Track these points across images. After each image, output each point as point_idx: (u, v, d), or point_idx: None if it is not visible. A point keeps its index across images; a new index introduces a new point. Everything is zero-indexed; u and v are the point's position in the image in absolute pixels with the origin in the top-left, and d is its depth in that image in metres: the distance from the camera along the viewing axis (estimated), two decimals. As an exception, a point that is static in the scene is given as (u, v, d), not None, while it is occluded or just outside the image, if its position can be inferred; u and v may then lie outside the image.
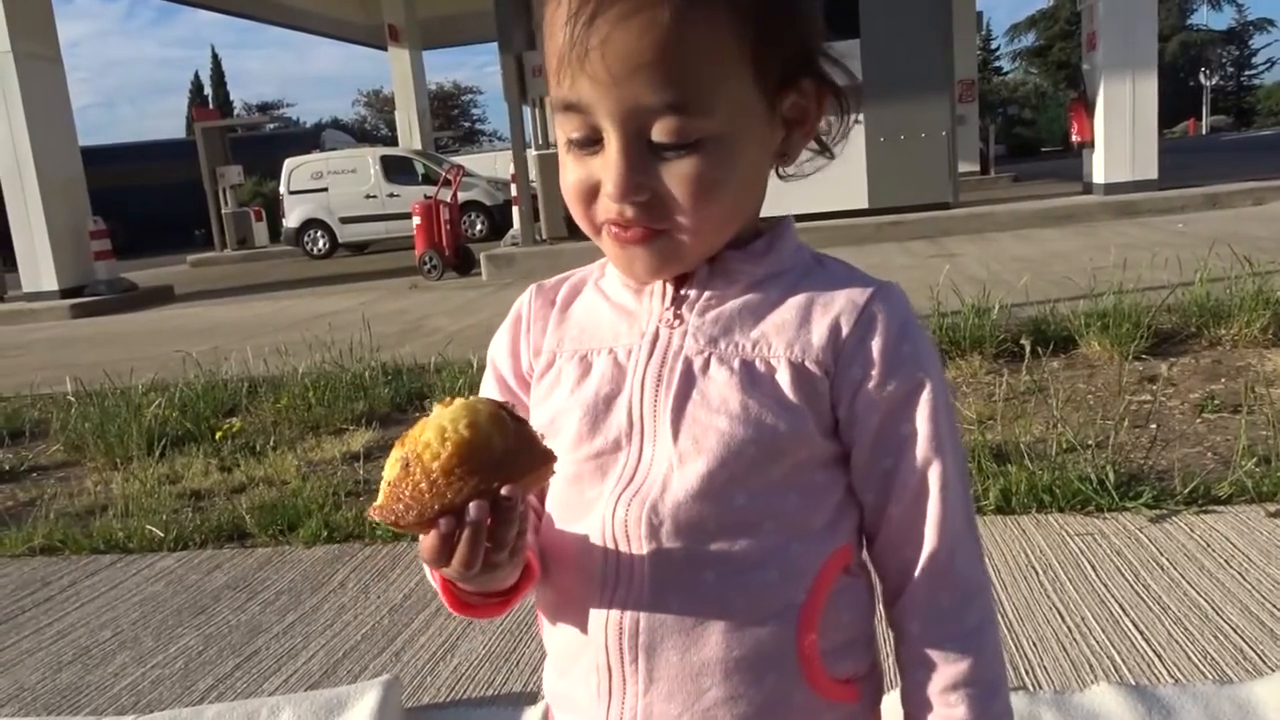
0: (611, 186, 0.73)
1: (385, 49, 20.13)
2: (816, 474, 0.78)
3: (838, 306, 0.78)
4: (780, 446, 0.75)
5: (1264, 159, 16.31)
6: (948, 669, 0.76)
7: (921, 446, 0.77)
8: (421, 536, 0.67)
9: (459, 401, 0.69)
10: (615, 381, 0.80)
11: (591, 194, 0.76)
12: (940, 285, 4.89)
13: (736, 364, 0.77)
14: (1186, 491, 2.59)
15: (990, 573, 0.82)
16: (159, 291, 12.86)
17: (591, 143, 0.74)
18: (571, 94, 0.73)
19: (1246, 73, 53.84)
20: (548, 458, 0.69)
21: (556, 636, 0.82)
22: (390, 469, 0.67)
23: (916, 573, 0.77)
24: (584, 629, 0.78)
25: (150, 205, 26.01)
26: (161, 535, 3.21)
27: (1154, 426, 3.26)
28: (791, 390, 0.76)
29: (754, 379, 0.76)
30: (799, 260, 0.82)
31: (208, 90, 50.77)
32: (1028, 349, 3.57)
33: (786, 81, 0.76)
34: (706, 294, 0.80)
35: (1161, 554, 2.33)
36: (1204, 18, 49.56)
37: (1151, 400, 3.55)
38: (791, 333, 0.77)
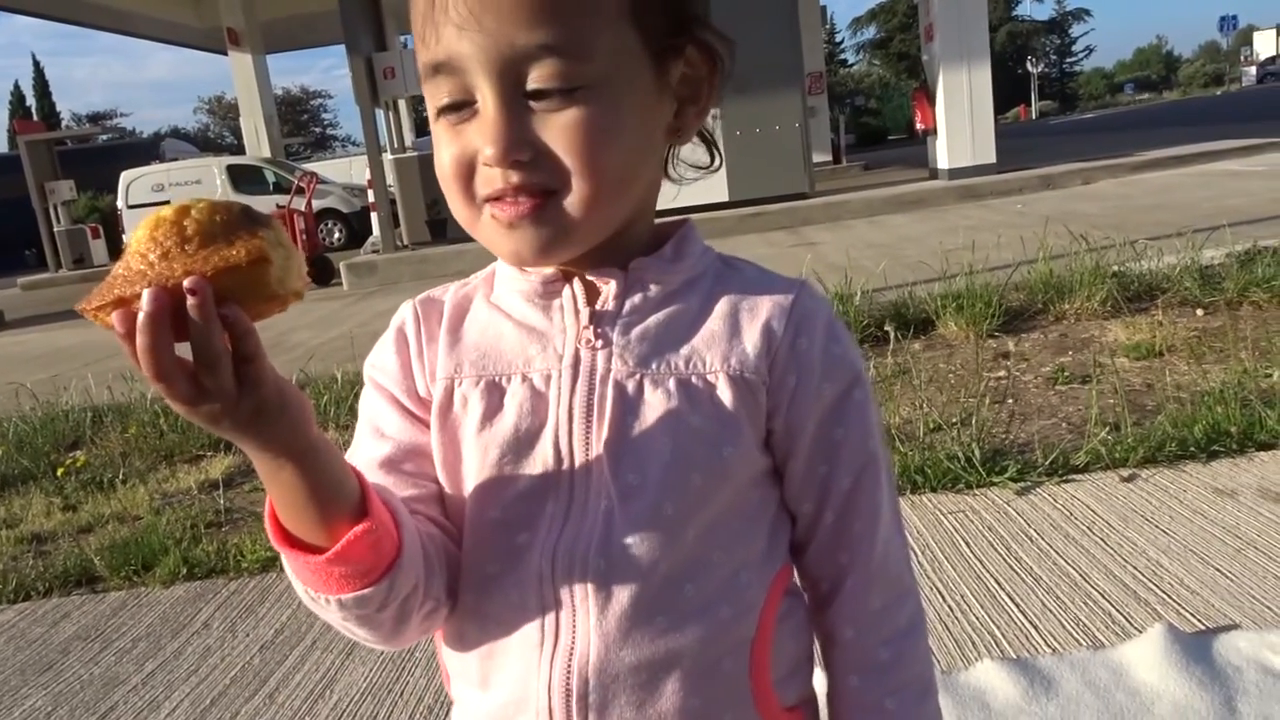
0: (491, 146, 0.66)
1: (225, 53, 19.18)
2: (754, 493, 0.74)
3: (765, 311, 0.74)
4: (726, 470, 0.71)
5: (1089, 141, 17.48)
6: (880, 672, 0.74)
7: (855, 447, 0.74)
8: None
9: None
10: (536, 413, 0.72)
11: (469, 169, 0.69)
12: (803, 274, 4.98)
13: (672, 384, 0.71)
14: (1047, 463, 2.72)
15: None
16: (-14, 319, 11.89)
17: (464, 106, 0.68)
18: (439, 50, 0.67)
19: (1068, 60, 57.68)
20: (260, 259, 0.57)
21: (483, 702, 0.74)
22: None
23: (850, 578, 0.75)
24: (521, 693, 0.70)
25: (-29, 225, 24.05)
26: (-2, 587, 2.94)
27: (1011, 401, 3.41)
28: (733, 406, 0.71)
29: (693, 399, 0.71)
30: (709, 263, 0.78)
31: (30, 101, 47.34)
32: (892, 334, 3.67)
33: (672, 45, 0.71)
34: (626, 308, 0.74)
35: (1029, 525, 2.43)
36: (1028, 9, 52.75)
37: (1007, 376, 3.71)
38: (724, 344, 0.72)
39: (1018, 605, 2.05)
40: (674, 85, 0.72)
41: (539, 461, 0.71)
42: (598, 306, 0.74)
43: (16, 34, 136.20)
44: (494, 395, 0.74)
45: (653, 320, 0.73)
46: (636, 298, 0.74)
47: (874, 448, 0.75)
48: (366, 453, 0.77)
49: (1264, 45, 55.04)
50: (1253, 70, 50.84)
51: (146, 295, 0.55)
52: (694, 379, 0.71)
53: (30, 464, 4.15)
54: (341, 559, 0.65)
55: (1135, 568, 2.15)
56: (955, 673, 1.81)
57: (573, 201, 0.68)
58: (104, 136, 33.72)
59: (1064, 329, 4.30)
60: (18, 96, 47.49)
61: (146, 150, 24.99)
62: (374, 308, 8.29)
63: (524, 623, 0.70)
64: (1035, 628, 1.95)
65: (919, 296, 4.71)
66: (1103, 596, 2.05)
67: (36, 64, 50.93)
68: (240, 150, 23.68)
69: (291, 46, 26.08)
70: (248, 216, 0.59)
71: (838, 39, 53.25)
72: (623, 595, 0.69)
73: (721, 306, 0.74)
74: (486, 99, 0.66)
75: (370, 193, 12.20)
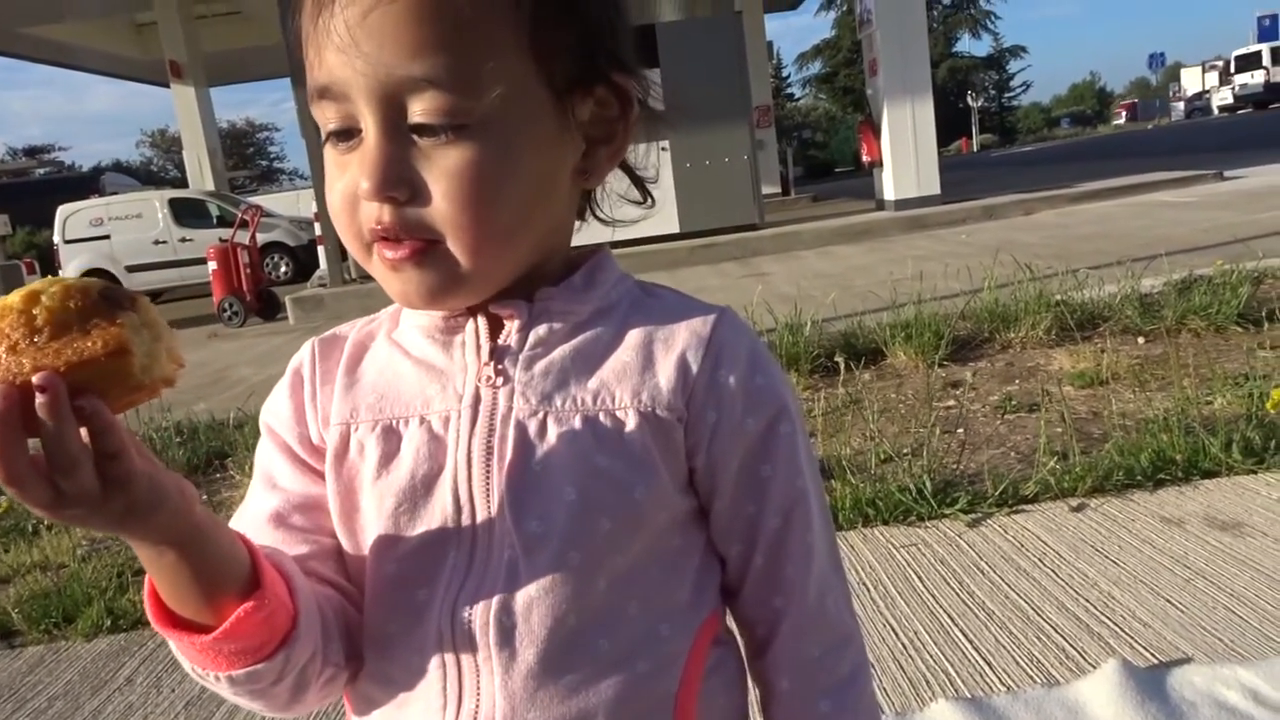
0: (366, 179, 0.61)
1: (168, 86, 18.89)
2: (675, 538, 0.68)
3: (681, 341, 0.68)
4: (639, 514, 0.65)
5: (1028, 173, 17.91)
6: None
7: (784, 485, 0.69)
8: None
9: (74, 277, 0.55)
10: (433, 458, 0.66)
11: (355, 201, 0.64)
12: (754, 305, 4.98)
13: (578, 422, 0.66)
14: (997, 494, 2.70)
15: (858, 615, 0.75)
16: (-90, 358, 11.44)
17: (351, 134, 0.63)
18: (322, 74, 0.62)
19: (1006, 95, 59.33)
20: (120, 350, 0.51)
21: None
22: None
23: (784, 623, 0.70)
24: None
25: (-101, 261, 23.30)
26: (-95, 646, 2.76)
27: (961, 431, 3.40)
28: (644, 444, 0.66)
29: (600, 437, 0.65)
30: (625, 292, 0.72)
31: (-37, 133, 46.23)
32: (842, 364, 3.66)
33: (579, 81, 0.66)
34: (529, 341, 0.68)
35: (981, 558, 2.40)
36: (967, 45, 54.24)
37: (957, 405, 3.71)
38: (636, 377, 0.67)
39: (971, 642, 2.01)
40: (583, 124, 0.67)
41: (437, 511, 0.66)
42: (500, 341, 0.69)
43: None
44: (391, 440, 0.68)
45: (558, 353, 0.68)
46: (541, 329, 0.69)
47: (804, 485, 0.70)
48: (258, 505, 0.71)
49: (1191, 81, 57.12)
50: (1181, 105, 52.78)
51: None
52: (601, 416, 0.66)
53: (-52, 511, 3.94)
54: (230, 637, 0.59)
55: (1087, 600, 2.13)
56: (910, 714, 1.76)
57: (455, 250, 0.63)
58: (41, 170, 32.95)
59: (1010, 357, 4.33)
60: (-48, 129, 46.35)
61: (86, 184, 24.38)
62: (319, 343, 8.12)
63: (427, 685, 0.65)
64: (989, 665, 1.92)
65: (868, 326, 4.72)
66: (1055, 630, 2.02)
67: (-28, 96, 49.79)
68: (184, 184, 23.27)
69: (237, 80, 25.83)
70: (107, 299, 0.53)
71: (784, 73, 54.22)
72: (529, 653, 0.63)
73: (634, 336, 0.69)
74: (368, 128, 0.62)
75: (317, 226, 12.05)
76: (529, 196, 0.65)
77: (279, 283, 16.10)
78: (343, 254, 11.55)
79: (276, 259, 17.95)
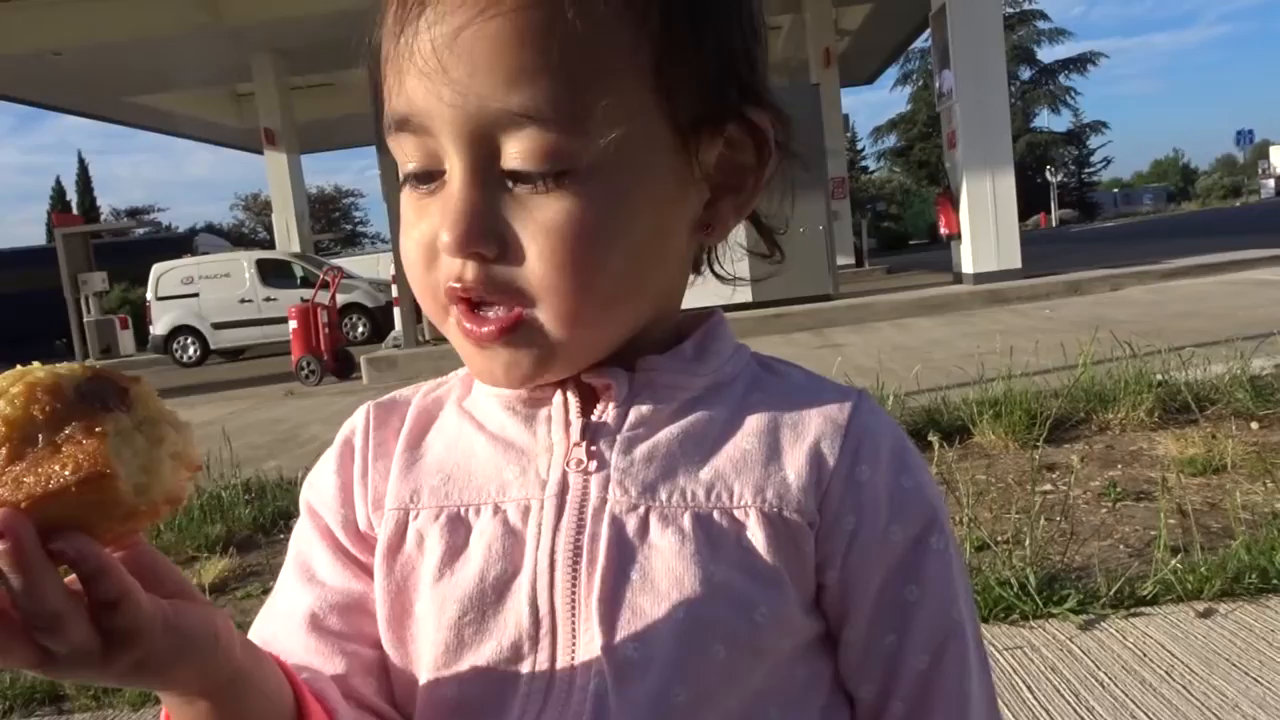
0: (448, 231, 0.50)
1: (261, 153, 19.71)
2: (798, 669, 0.55)
3: (813, 429, 0.56)
4: (759, 641, 0.52)
5: (1113, 248, 17.45)
6: None
7: (934, 614, 0.55)
8: None
9: (35, 366, 0.42)
10: (508, 557, 0.54)
11: (433, 253, 0.53)
12: (834, 376, 4.80)
13: (687, 521, 0.53)
14: (1111, 593, 2.45)
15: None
16: (6, 408, 11.89)
17: (432, 176, 0.52)
18: (401, 102, 0.51)
19: (1086, 170, 58.51)
20: (94, 473, 0.39)
21: None
22: None
23: None
24: None
25: (6, 315, 24.52)
26: (-40, 705, 2.70)
27: (1061, 519, 3.16)
28: (768, 553, 0.53)
29: (715, 542, 0.53)
30: (743, 365, 0.60)
31: (71, 196, 48.97)
32: (936, 444, 3.46)
33: (709, 117, 0.54)
34: (630, 420, 0.56)
35: (1098, 667, 2.16)
36: (1046, 121, 53.75)
37: (1054, 491, 3.47)
38: (758, 470, 0.55)
39: (1094, 765, 1.78)
40: (708, 169, 0.55)
41: (511, 623, 0.53)
42: (594, 417, 0.57)
43: (65, 133, 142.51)
44: (458, 532, 0.56)
45: (664, 435, 0.56)
46: (645, 406, 0.56)
47: (959, 615, 0.56)
48: (290, 601, 0.59)
49: (1280, 159, 55.77)
50: (1271, 183, 51.37)
51: None
52: (716, 514, 0.53)
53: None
54: None
55: (1227, 723, 1.88)
56: None
57: (549, 320, 0.51)
58: (140, 230, 34.55)
59: (1109, 440, 4.07)
60: (59, 191, 49.09)
61: (181, 244, 25.48)
62: (390, 403, 8.16)
63: None
64: (1117, 795, 1.68)
65: (952, 402, 4.51)
66: (1193, 759, 1.78)
67: (81, 161, 52.81)
68: (272, 245, 24.13)
69: (326, 147, 26.94)
70: (86, 397, 0.41)
71: (859, 146, 54.38)
72: None
73: (755, 420, 0.56)
74: (453, 171, 0.51)
75: (394, 287, 12.29)
76: (640, 257, 0.54)
77: (356, 343, 16.42)
78: (418, 315, 11.72)
79: (354, 319, 18.42)
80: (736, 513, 0.54)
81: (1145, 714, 1.94)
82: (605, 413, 0.57)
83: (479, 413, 0.60)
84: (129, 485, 0.40)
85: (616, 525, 0.54)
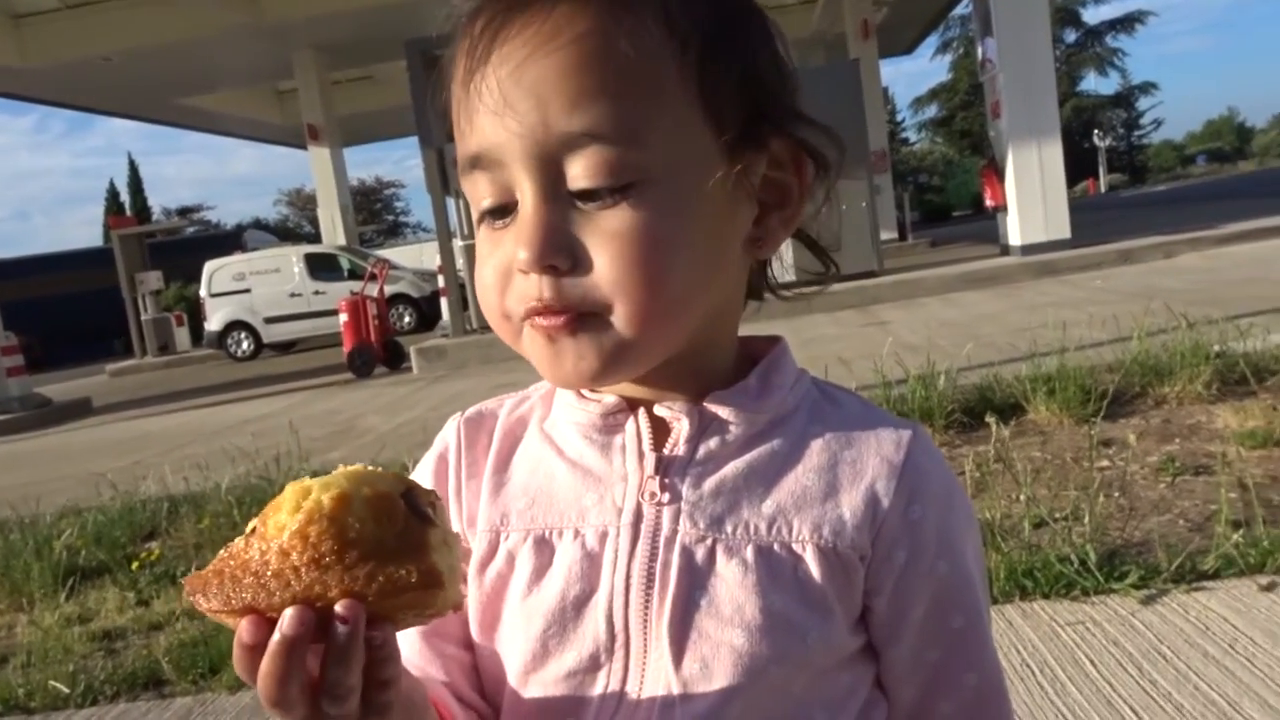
0: (524, 249, 0.55)
1: (305, 148, 20.00)
2: (841, 677, 0.62)
3: (870, 468, 0.62)
4: (809, 659, 0.59)
5: (1165, 213, 17.02)
6: None
7: (976, 634, 0.64)
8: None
9: (358, 467, 0.49)
10: (587, 578, 0.61)
11: (508, 277, 0.58)
12: (884, 356, 4.82)
13: (750, 553, 0.60)
14: (1173, 568, 2.48)
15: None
16: (76, 405, 12.27)
17: (505, 211, 0.58)
18: (473, 141, 0.57)
19: (1136, 133, 56.95)
20: (433, 582, 0.47)
21: None
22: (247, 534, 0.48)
23: None
24: None
25: (67, 316, 25.29)
26: (66, 690, 2.87)
27: (1119, 495, 3.17)
28: (821, 583, 0.59)
29: (774, 573, 0.59)
30: (803, 395, 0.65)
31: (124, 197, 49.95)
32: (994, 424, 3.47)
33: (751, 135, 0.59)
34: (699, 455, 0.62)
35: (1161, 641, 2.19)
36: (1093, 84, 52.40)
37: (1112, 466, 3.48)
38: (817, 507, 0.60)
39: (1158, 737, 1.83)
40: (754, 187, 0.60)
41: (589, 637, 0.60)
42: (666, 451, 0.63)
43: (114, 136, 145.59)
44: (543, 553, 0.63)
45: (730, 470, 0.62)
46: (713, 442, 0.62)
47: (988, 629, 0.66)
48: None
49: (1342, 113, 53.78)
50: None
51: (289, 615, 0.45)
52: (776, 547, 0.60)
53: (106, 556, 4.14)
54: None
55: (1291, 694, 1.91)
56: (1096, 819, 1.60)
57: (619, 319, 0.56)
58: (190, 229, 35.26)
59: (1166, 414, 4.05)
60: (112, 193, 50.14)
61: (230, 241, 25.97)
62: (443, 392, 8.31)
63: None
64: (1183, 765, 1.73)
65: (1004, 379, 4.49)
66: (1258, 729, 1.82)
67: (132, 163, 53.95)
68: (317, 239, 24.48)
69: (367, 139, 27.23)
70: (409, 511, 0.48)
71: (899, 118, 53.55)
72: None
73: (815, 455, 0.62)
74: (525, 195, 0.56)
75: (440, 278, 12.44)
76: (702, 263, 0.59)
77: (403, 333, 16.64)
78: (464, 305, 11.87)
79: (401, 309, 18.62)
80: (795, 546, 0.60)
81: (1209, 685, 1.98)
82: (676, 446, 0.63)
83: (558, 437, 0.66)
84: (444, 598, 0.48)
85: (686, 555, 0.60)
